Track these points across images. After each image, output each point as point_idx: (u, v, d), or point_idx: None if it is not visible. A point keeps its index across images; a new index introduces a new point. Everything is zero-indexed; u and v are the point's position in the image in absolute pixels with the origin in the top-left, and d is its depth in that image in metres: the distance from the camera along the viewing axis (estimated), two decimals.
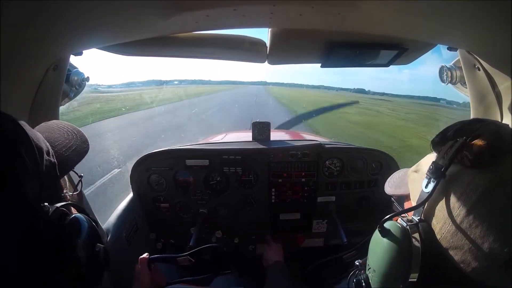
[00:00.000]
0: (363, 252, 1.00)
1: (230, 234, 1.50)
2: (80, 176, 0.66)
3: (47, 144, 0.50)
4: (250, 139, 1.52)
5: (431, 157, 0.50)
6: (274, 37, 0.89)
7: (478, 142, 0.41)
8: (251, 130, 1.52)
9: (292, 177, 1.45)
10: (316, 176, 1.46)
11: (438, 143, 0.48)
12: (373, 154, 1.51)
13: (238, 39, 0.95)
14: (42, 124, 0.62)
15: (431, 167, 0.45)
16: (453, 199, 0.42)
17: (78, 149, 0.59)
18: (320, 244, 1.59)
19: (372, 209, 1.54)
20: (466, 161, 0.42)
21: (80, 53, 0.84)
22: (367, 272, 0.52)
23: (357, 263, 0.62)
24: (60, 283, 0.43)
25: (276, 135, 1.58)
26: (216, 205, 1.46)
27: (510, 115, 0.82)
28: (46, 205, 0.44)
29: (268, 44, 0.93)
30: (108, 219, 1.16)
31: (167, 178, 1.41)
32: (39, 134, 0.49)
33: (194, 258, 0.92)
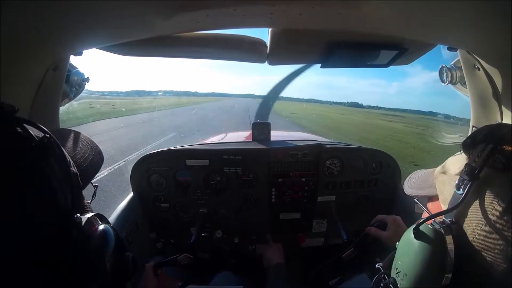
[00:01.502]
0: (360, 250, 1.00)
1: (230, 234, 1.50)
2: (95, 186, 0.66)
3: (67, 155, 0.50)
4: (250, 139, 1.52)
5: (457, 158, 0.51)
6: (274, 37, 0.89)
7: (509, 146, 0.42)
8: (251, 131, 1.53)
9: (292, 177, 1.45)
10: (316, 175, 1.46)
11: (469, 146, 0.48)
12: (373, 153, 1.51)
13: (238, 39, 0.95)
14: (55, 132, 0.62)
15: (465, 169, 0.45)
16: (486, 201, 0.42)
17: (95, 160, 0.60)
18: (320, 244, 1.59)
19: (372, 208, 1.54)
20: (499, 164, 0.43)
21: (80, 53, 0.83)
22: (394, 276, 0.51)
23: (379, 266, 0.61)
24: None
25: (276, 136, 1.58)
26: (216, 204, 1.46)
27: (510, 115, 0.82)
28: (78, 216, 0.44)
29: (268, 44, 0.93)
30: (109, 219, 1.15)
31: (167, 178, 1.41)
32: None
33: (192, 254, 0.92)
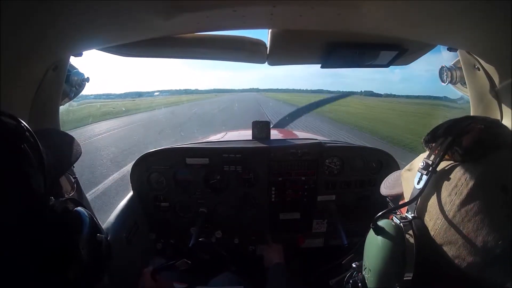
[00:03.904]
0: (360, 254, 1.00)
1: (230, 234, 1.50)
2: (75, 178, 0.73)
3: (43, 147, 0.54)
4: (250, 138, 1.52)
5: (424, 156, 0.50)
6: (274, 38, 0.89)
7: (468, 137, 0.42)
8: (251, 129, 1.52)
9: (292, 176, 1.45)
10: (316, 174, 1.46)
11: (429, 141, 0.48)
12: (373, 153, 1.51)
13: (238, 39, 0.95)
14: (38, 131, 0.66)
15: (422, 163, 0.46)
16: (444, 194, 0.42)
17: (72, 152, 0.65)
18: (320, 245, 1.59)
19: (372, 208, 1.54)
20: (456, 157, 0.43)
21: (80, 54, 0.83)
22: (363, 273, 0.52)
23: (354, 265, 0.61)
24: (66, 274, 0.45)
25: (276, 134, 1.58)
26: (216, 204, 1.46)
27: (510, 115, 0.82)
28: (52, 199, 0.48)
29: (268, 44, 0.93)
30: (108, 218, 1.16)
31: (167, 177, 1.41)
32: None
33: (190, 259, 0.92)
